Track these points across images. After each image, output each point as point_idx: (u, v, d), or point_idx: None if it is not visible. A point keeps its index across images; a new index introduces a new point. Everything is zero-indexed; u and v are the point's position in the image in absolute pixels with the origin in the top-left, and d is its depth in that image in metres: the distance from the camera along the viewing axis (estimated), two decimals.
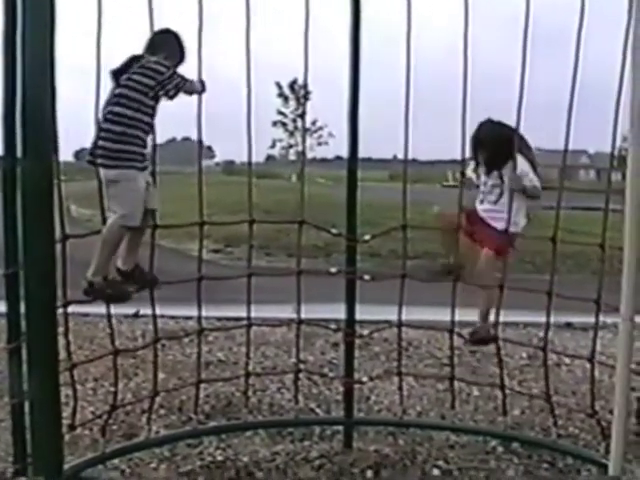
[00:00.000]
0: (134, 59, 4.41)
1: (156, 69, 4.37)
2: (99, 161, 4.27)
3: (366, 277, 4.98)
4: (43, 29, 3.12)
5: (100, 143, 4.25)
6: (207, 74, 4.46)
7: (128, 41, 4.72)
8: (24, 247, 3.23)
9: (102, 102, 4.21)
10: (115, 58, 4.32)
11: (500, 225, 4.82)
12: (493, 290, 4.77)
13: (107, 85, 4.29)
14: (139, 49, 4.46)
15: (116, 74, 4.35)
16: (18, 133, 3.28)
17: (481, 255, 5.04)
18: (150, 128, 4.39)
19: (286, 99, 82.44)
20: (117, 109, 4.28)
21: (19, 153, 3.30)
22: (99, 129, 4.22)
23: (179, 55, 4.57)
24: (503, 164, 4.97)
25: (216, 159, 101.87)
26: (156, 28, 4.40)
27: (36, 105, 3.12)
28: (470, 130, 4.99)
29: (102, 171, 4.28)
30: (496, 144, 4.95)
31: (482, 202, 5.17)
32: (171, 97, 4.43)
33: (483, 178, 5.17)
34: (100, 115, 4.22)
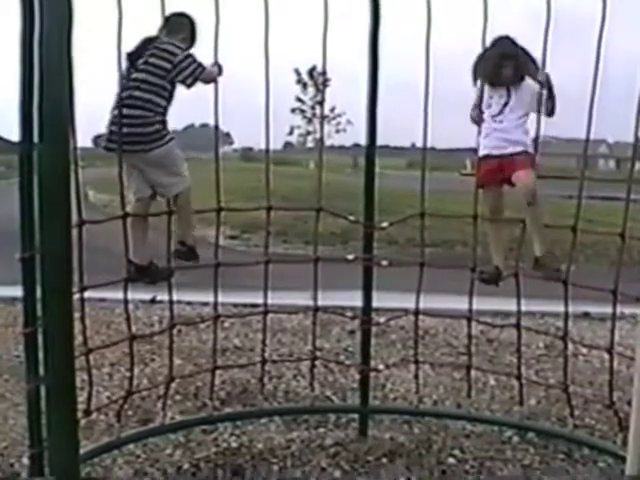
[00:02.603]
0: (148, 41, 4.41)
1: (171, 51, 4.37)
2: (138, 147, 4.26)
3: (384, 262, 4.96)
4: (61, 13, 3.11)
5: (129, 130, 4.20)
6: (223, 61, 4.47)
7: (139, 25, 4.70)
8: (40, 232, 3.22)
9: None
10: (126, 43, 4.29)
11: (519, 148, 4.69)
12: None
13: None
14: (148, 33, 4.46)
15: (131, 57, 4.34)
16: (35, 118, 3.28)
17: (524, 176, 4.76)
18: (165, 112, 4.41)
19: (305, 86, 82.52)
20: (138, 94, 4.28)
21: (36, 138, 3.30)
22: (120, 115, 4.17)
23: (191, 40, 4.59)
24: (522, 79, 4.78)
25: (234, 145, 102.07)
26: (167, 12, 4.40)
27: (53, 89, 3.10)
28: None
29: (142, 156, 4.30)
30: (520, 57, 4.74)
31: (487, 136, 4.83)
32: (188, 85, 4.42)
33: (487, 98, 4.83)
34: (115, 99, 4.23)
